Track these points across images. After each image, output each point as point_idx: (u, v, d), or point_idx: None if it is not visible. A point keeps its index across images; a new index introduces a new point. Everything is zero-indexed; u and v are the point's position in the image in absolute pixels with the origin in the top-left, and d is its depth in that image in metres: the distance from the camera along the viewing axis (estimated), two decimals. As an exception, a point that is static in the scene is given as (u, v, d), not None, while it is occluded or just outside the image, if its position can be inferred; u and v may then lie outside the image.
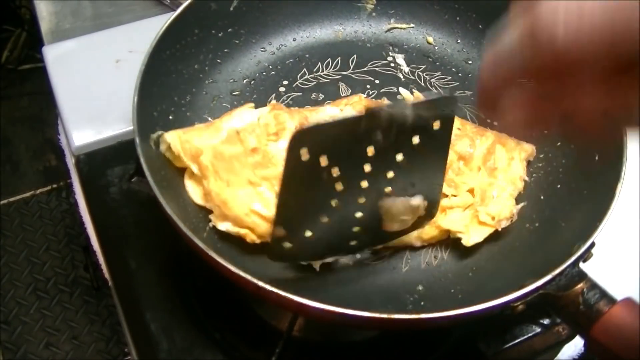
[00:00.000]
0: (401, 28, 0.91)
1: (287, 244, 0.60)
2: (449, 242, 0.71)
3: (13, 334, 1.66)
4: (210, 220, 0.69)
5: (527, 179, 0.73)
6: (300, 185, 0.56)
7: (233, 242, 0.68)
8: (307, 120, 0.68)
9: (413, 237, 0.68)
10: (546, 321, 0.77)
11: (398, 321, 0.57)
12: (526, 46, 0.37)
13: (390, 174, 0.59)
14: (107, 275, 0.82)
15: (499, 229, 0.69)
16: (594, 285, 0.59)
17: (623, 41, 0.33)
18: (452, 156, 0.67)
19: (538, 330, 0.77)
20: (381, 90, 0.85)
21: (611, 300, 0.57)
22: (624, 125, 0.51)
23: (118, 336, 1.65)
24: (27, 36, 2.18)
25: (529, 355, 0.77)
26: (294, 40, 0.89)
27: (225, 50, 0.85)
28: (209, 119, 0.80)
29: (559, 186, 0.74)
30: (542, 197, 0.74)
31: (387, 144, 0.56)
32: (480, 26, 0.88)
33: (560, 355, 0.80)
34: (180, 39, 0.79)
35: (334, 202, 0.59)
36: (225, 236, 0.68)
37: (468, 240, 0.68)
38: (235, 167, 0.65)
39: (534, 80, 0.39)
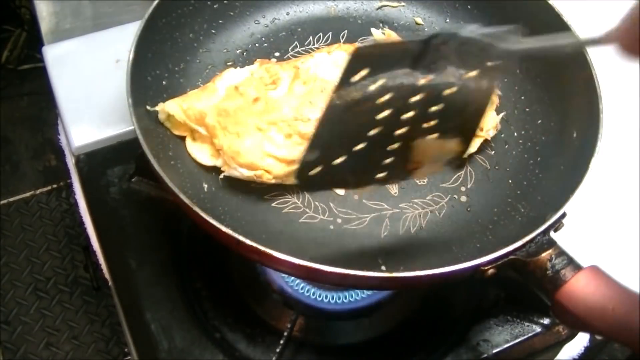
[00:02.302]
0: (392, 6, 0.92)
1: (316, 169, 0.59)
2: (428, 211, 0.72)
3: (13, 334, 1.66)
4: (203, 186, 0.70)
5: (500, 93, 0.79)
6: (346, 108, 0.56)
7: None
8: (299, 69, 0.72)
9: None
10: (546, 321, 0.77)
11: (370, 279, 0.58)
12: None
13: (434, 108, 0.58)
14: (107, 275, 0.82)
15: (489, 138, 0.76)
16: (561, 253, 0.60)
17: None
18: None
19: (538, 330, 0.77)
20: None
21: (577, 267, 0.59)
22: None
23: (118, 336, 1.65)
24: (27, 36, 2.17)
25: (529, 355, 0.78)
26: (287, 14, 0.91)
27: (220, 21, 0.86)
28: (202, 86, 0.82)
29: (539, 159, 0.75)
30: (520, 172, 0.75)
31: (441, 74, 0.57)
32: (469, 7, 0.89)
33: (560, 355, 0.80)
34: (176, 7, 0.80)
35: (373, 131, 0.58)
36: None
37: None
38: (241, 119, 0.68)
39: None
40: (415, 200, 0.73)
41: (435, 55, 0.57)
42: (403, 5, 0.92)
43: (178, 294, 0.78)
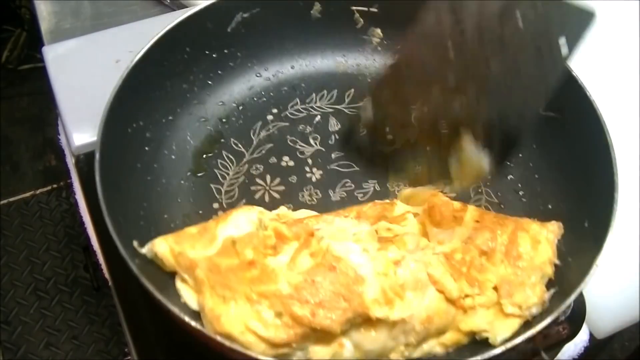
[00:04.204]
0: None
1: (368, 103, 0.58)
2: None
3: (13, 334, 1.66)
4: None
5: (557, 262, 0.67)
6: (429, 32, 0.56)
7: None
8: (313, 236, 0.63)
9: (435, 344, 0.63)
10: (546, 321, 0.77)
11: None
12: None
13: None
14: (107, 275, 0.81)
15: (530, 319, 0.62)
16: None
17: None
18: (473, 253, 0.64)
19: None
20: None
21: None
22: None
23: (118, 336, 1.65)
24: (27, 36, 2.17)
25: (529, 355, 0.77)
26: (291, 68, 0.86)
27: (219, 72, 0.82)
28: (191, 141, 0.78)
29: None
30: None
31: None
32: None
33: (560, 355, 0.80)
34: (168, 56, 0.76)
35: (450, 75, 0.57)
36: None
37: (495, 339, 0.62)
38: (231, 282, 0.59)
39: None
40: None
41: None
42: None
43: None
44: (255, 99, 0.84)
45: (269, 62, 0.86)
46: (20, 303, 1.71)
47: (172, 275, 0.65)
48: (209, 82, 0.82)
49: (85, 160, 0.88)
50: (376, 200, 0.72)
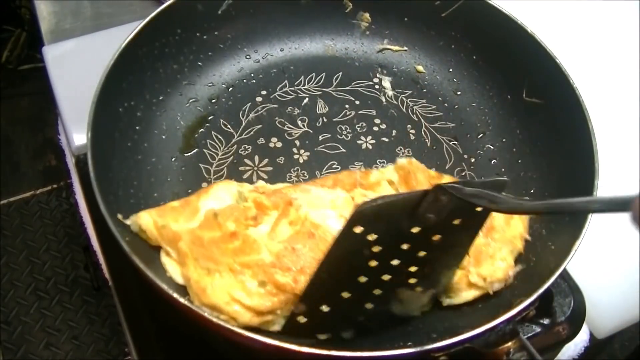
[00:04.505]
0: (393, 50, 0.89)
1: (302, 319, 0.59)
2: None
3: (13, 334, 1.66)
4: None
5: (528, 237, 0.69)
6: (340, 259, 0.55)
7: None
8: (291, 205, 0.65)
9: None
10: (546, 321, 0.77)
11: (307, 355, 0.54)
12: None
13: (422, 253, 0.57)
14: (107, 275, 0.82)
15: (491, 292, 0.64)
16: (522, 347, 0.56)
17: None
18: None
19: (538, 330, 0.76)
20: (359, 112, 0.83)
21: None
22: None
23: (118, 336, 1.65)
24: (27, 36, 2.17)
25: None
26: (281, 51, 0.87)
27: (209, 53, 0.83)
28: (181, 121, 0.79)
29: None
30: None
31: (433, 224, 0.55)
32: (474, 57, 0.85)
33: (560, 355, 0.80)
34: (159, 37, 0.77)
35: (361, 279, 0.57)
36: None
37: (452, 300, 0.65)
38: (214, 254, 0.61)
39: None
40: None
41: (432, 205, 0.54)
42: (405, 50, 0.89)
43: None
44: (244, 80, 0.84)
45: (258, 44, 0.87)
46: (20, 303, 1.71)
47: (158, 251, 0.66)
48: (199, 64, 0.82)
49: (85, 160, 0.88)
50: (351, 169, 0.74)
